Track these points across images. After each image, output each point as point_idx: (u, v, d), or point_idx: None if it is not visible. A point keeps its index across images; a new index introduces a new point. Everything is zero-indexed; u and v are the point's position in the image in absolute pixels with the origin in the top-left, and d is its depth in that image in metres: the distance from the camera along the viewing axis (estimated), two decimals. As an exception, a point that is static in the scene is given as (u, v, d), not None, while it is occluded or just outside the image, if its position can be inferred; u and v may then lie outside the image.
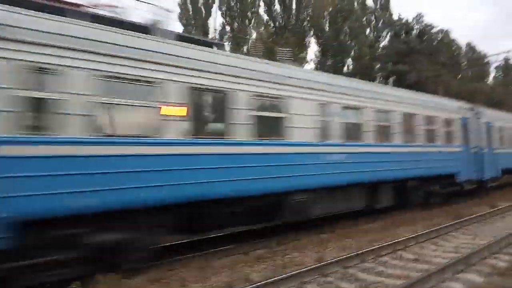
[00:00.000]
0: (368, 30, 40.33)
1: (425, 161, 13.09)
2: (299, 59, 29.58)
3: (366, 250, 7.94)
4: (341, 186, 10.12)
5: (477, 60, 45.03)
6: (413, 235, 9.34)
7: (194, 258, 7.83)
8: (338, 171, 9.83)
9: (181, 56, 7.40)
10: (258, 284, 5.86)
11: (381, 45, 40.80)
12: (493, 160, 17.65)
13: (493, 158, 17.76)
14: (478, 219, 11.66)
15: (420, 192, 13.37)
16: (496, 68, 61.01)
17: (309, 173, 9.16)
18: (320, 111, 9.77)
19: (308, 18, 34.13)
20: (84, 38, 6.20)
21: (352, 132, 10.63)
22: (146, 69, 6.81)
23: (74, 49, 6.05)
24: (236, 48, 28.24)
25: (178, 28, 30.94)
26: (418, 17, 38.67)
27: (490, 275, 6.41)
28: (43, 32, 5.82)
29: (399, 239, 8.90)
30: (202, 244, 9.11)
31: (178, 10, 31.86)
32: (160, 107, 6.91)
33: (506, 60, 37.63)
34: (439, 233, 9.85)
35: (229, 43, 30.23)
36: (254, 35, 31.91)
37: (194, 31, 30.10)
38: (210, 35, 29.54)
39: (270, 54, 24.40)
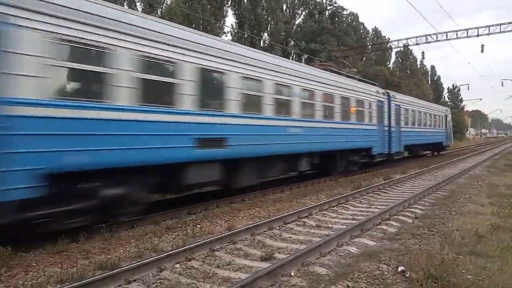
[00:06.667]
0: (284, 6, 40.95)
1: (347, 135, 15.70)
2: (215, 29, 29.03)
3: (273, 218, 8.28)
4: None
5: (381, 45, 48.50)
6: (317, 204, 9.97)
7: (99, 230, 7.43)
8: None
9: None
10: (168, 253, 5.79)
11: (296, 23, 41.79)
12: (399, 137, 21.29)
13: (400, 135, 21.39)
14: (374, 189, 12.83)
15: (343, 161, 16.23)
16: (396, 53, 66.83)
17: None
18: None
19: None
20: None
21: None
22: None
23: None
24: (150, 10, 26.67)
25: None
26: (331, -2, 40.22)
27: (381, 239, 7.12)
28: None
29: (304, 208, 9.44)
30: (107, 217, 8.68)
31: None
32: None
33: (405, 46, 41.06)
34: (340, 201, 10.65)
35: (141, 4, 28.41)
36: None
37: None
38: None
39: (185, 20, 23.50)
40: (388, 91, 21.77)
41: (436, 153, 31.84)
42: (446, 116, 32.61)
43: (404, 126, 22.18)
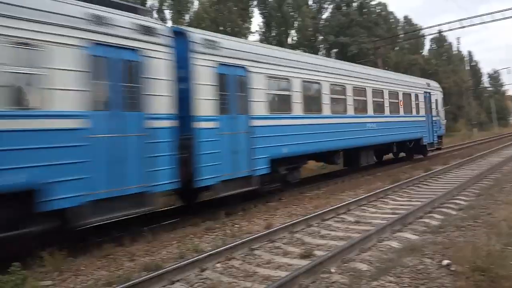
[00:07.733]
0: (311, 1, 40.57)
1: None
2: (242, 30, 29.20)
3: (311, 215, 8.24)
4: None
5: (413, 33, 47.04)
6: (355, 199, 9.83)
7: (142, 233, 7.69)
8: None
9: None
10: (209, 253, 5.91)
11: (323, 17, 41.30)
12: (247, 143, 9.40)
13: (249, 139, 9.44)
14: (414, 182, 12.48)
15: None
16: (431, 40, 64.57)
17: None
18: None
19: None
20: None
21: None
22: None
23: None
24: (178, 16, 27.19)
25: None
26: (358, -11, 39.41)
27: (424, 233, 6.93)
28: None
29: (342, 204, 9.33)
30: (149, 219, 8.95)
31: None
32: None
33: (439, 32, 39.65)
34: (378, 196, 10.44)
35: (170, 11, 29.00)
36: (196, 3, 30.90)
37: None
38: (148, 3, 28.04)
39: (213, 24, 23.75)
40: (203, 31, 9.64)
41: (422, 156, 20.01)
42: (428, 94, 20.03)
43: (265, 116, 10.02)
